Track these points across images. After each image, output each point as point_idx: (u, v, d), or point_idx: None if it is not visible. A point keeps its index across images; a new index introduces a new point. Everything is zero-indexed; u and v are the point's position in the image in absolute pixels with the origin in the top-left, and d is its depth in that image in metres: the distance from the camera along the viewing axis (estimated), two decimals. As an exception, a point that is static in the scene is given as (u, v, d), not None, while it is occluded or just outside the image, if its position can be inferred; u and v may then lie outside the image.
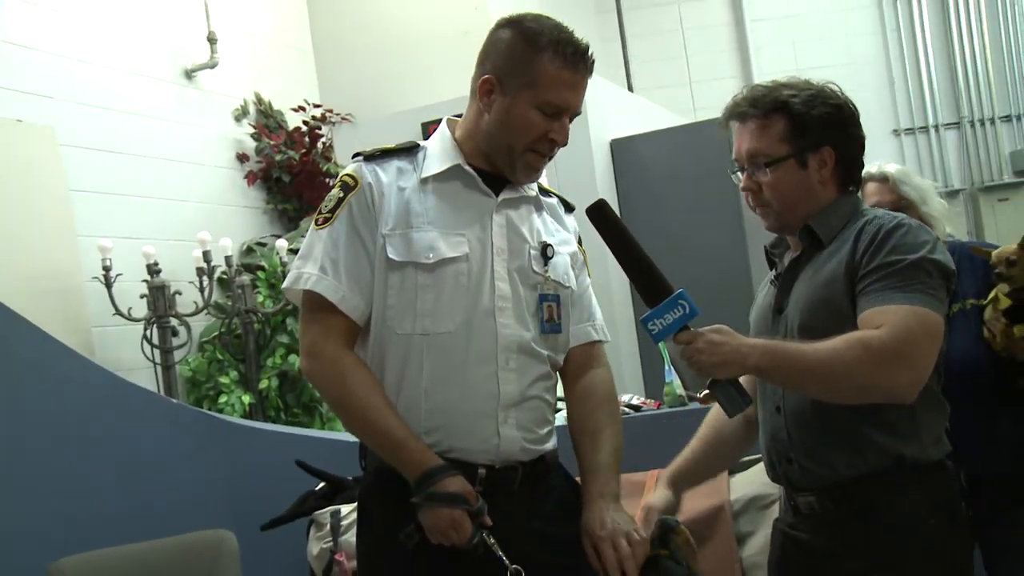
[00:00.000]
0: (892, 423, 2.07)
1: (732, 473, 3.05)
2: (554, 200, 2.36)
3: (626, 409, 3.77)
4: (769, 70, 8.59)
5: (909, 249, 2.04)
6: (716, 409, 2.37)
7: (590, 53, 2.16)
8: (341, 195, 2.16)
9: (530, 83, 2.10)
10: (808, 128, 2.17)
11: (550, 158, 2.21)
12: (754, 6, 8.80)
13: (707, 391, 2.16)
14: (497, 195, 2.20)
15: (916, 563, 2.06)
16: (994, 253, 2.82)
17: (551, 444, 2.24)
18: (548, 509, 2.19)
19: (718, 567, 2.90)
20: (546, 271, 2.22)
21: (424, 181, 2.17)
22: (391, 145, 2.23)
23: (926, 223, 2.44)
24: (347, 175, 2.18)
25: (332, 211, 2.15)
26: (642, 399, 3.89)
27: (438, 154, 2.21)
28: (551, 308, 2.23)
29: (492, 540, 2.00)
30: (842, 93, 2.24)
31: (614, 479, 2.22)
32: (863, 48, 8.76)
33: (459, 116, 2.28)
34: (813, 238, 2.20)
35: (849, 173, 2.23)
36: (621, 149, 6.47)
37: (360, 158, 2.21)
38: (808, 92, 2.19)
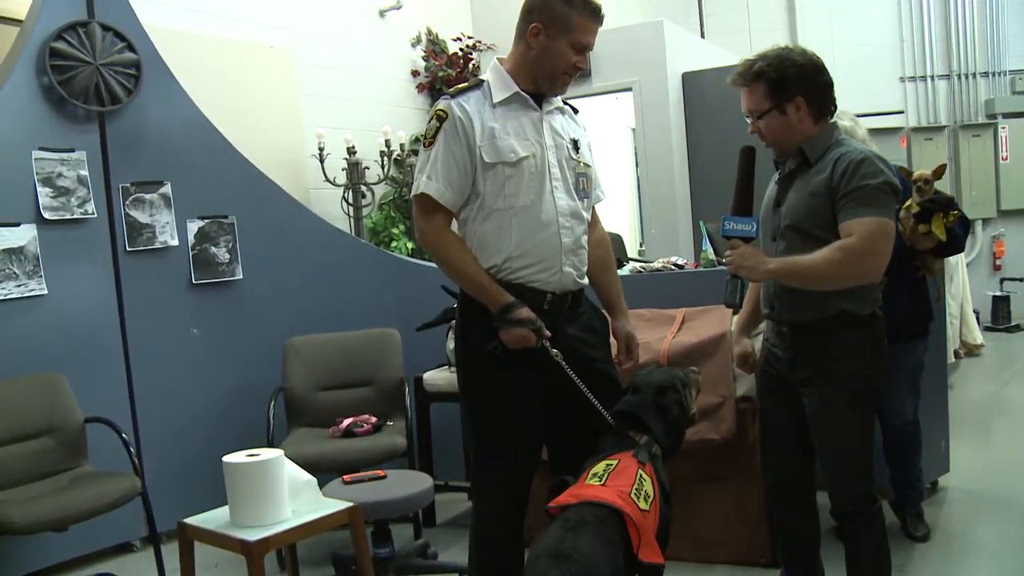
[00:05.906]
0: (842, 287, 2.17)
1: (734, 313, 3.04)
2: (567, 108, 2.39)
3: (672, 267, 3.78)
4: (810, 23, 8.27)
5: (872, 176, 2.09)
6: (750, 289, 2.47)
7: (603, 10, 2.22)
8: (438, 124, 2.17)
9: (566, 30, 2.16)
10: (781, 86, 2.18)
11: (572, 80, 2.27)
12: (801, -25, 8.37)
13: (728, 280, 2.25)
14: (540, 108, 2.25)
15: (843, 374, 2.21)
16: (915, 172, 2.92)
17: (586, 279, 2.36)
18: (581, 321, 2.31)
19: (719, 372, 3.03)
20: (579, 156, 2.30)
21: (495, 105, 2.20)
22: (464, 84, 2.26)
23: None
24: (440, 110, 2.18)
25: (433, 136, 2.18)
26: (685, 260, 3.90)
27: (499, 85, 2.23)
28: (583, 181, 2.31)
29: (547, 344, 2.15)
30: (807, 53, 2.22)
31: (623, 299, 2.46)
32: (882, 13, 8.26)
33: (502, 58, 2.29)
34: (803, 157, 2.22)
35: (820, 110, 2.21)
36: (690, 80, 6.32)
37: (448, 97, 2.21)
38: (776, 59, 2.19)
